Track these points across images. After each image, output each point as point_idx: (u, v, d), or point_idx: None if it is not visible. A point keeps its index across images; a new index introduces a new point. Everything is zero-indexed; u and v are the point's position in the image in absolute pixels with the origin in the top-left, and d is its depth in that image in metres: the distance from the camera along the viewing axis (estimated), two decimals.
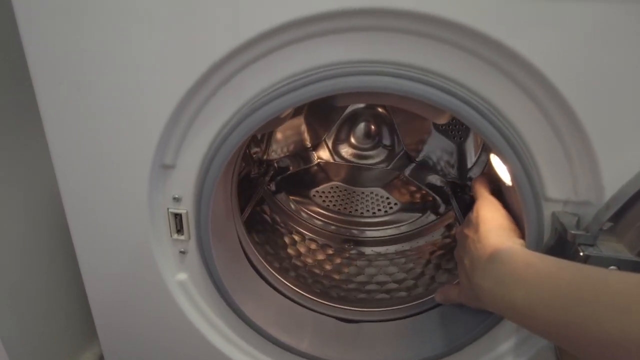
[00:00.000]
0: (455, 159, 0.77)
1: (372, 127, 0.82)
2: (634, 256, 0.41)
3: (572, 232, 0.42)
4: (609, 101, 0.39)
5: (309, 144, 0.82)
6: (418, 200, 0.81)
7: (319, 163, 0.83)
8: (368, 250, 0.79)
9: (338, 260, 0.74)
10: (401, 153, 0.81)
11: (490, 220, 0.47)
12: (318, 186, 0.83)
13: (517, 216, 0.48)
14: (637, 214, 0.41)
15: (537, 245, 0.45)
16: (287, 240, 0.76)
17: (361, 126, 0.82)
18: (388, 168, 0.81)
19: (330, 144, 0.83)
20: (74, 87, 0.44)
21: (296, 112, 0.80)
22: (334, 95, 0.43)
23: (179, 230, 0.52)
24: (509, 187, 0.48)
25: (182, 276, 0.55)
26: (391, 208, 0.82)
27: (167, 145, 0.46)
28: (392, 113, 0.78)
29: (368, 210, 0.82)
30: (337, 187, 0.84)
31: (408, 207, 0.81)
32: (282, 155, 0.81)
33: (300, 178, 0.83)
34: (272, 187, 0.80)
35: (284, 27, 0.39)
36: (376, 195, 0.84)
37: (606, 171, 0.41)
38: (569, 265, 0.37)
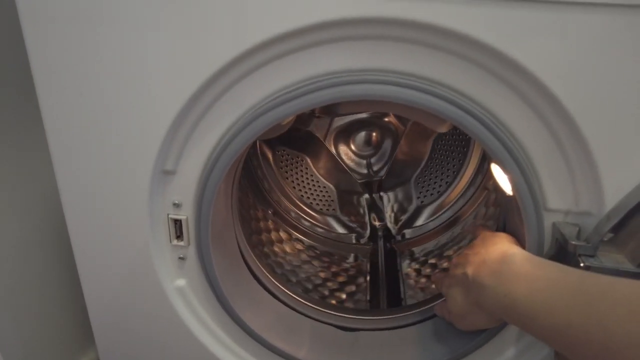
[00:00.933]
0: (408, 214, 0.82)
1: (375, 139, 0.82)
2: (634, 267, 0.41)
3: (573, 242, 0.42)
4: (610, 112, 0.39)
5: (316, 110, 0.81)
6: (352, 219, 0.83)
7: (309, 132, 0.82)
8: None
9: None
10: (378, 179, 0.82)
11: (498, 240, 0.48)
12: (291, 148, 0.83)
13: (517, 233, 0.48)
14: (638, 225, 0.41)
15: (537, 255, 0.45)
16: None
17: (364, 134, 0.82)
18: (358, 181, 0.82)
19: (332, 127, 0.82)
20: (76, 92, 0.44)
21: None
22: (337, 103, 0.43)
23: (179, 236, 0.52)
24: (509, 197, 0.48)
25: (181, 282, 0.54)
26: (327, 210, 0.84)
27: (169, 151, 0.46)
28: (403, 124, 0.78)
29: (426, 196, 0.83)
30: (302, 160, 0.84)
31: (340, 219, 0.84)
32: (368, 216, 0.83)
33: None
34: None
35: (286, 35, 0.39)
36: (326, 192, 0.85)
37: (607, 182, 0.41)
38: (576, 270, 0.37)
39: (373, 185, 0.83)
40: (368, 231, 0.83)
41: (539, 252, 0.45)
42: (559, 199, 0.44)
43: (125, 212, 0.50)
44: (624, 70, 0.38)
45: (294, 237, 0.79)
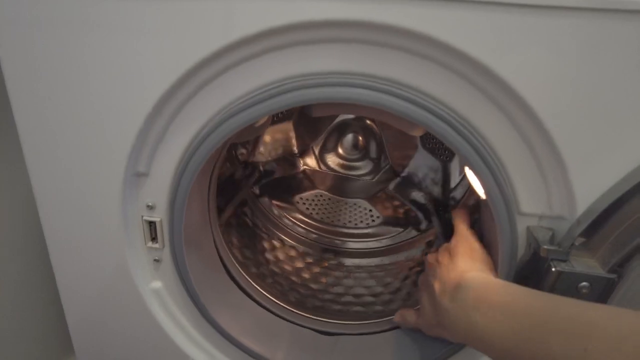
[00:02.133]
0: (440, 177, 0.78)
1: (360, 138, 0.82)
2: (604, 272, 0.40)
3: (545, 247, 0.42)
4: (581, 117, 0.39)
5: (296, 149, 0.82)
6: (401, 215, 0.81)
7: (304, 170, 0.83)
8: (348, 261, 0.78)
9: (317, 270, 0.74)
10: (386, 167, 0.81)
11: (464, 252, 0.48)
12: (302, 193, 0.83)
13: (494, 233, 0.47)
14: (609, 230, 0.41)
15: (511, 260, 0.45)
16: (266, 245, 0.75)
17: (349, 137, 0.82)
18: (373, 180, 0.81)
19: (317, 152, 0.83)
20: (47, 95, 0.44)
21: (286, 117, 0.80)
22: (309, 105, 0.43)
23: (154, 239, 0.51)
24: (484, 201, 0.47)
25: (157, 284, 0.54)
26: (373, 221, 0.82)
27: (140, 153, 0.46)
28: (380, 126, 0.78)
29: (350, 221, 0.82)
30: (321, 195, 0.84)
31: (390, 221, 0.81)
32: (268, 158, 0.81)
33: (285, 183, 0.82)
34: (256, 190, 0.80)
35: (255, 37, 0.39)
36: (359, 206, 0.83)
37: (578, 187, 0.41)
38: (529, 293, 0.38)
39: (387, 175, 0.80)
40: (421, 214, 0.78)
41: (512, 256, 0.45)
42: (533, 203, 0.44)
43: (100, 214, 0.50)
44: (593, 76, 0.37)
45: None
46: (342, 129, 0.82)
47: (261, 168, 0.79)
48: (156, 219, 0.50)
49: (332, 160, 0.83)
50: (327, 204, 0.83)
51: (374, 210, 0.82)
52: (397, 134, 0.77)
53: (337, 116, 0.81)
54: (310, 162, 0.83)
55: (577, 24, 0.36)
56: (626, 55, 0.36)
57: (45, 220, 0.52)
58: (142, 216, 0.50)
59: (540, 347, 0.33)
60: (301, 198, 0.83)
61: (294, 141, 0.82)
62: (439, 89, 0.41)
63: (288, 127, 0.81)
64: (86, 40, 0.41)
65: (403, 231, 0.78)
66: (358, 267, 0.75)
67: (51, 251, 0.54)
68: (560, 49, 0.37)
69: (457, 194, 0.74)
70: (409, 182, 0.79)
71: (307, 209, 0.83)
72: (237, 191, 0.73)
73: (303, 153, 0.83)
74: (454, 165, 0.76)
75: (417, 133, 0.53)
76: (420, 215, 0.78)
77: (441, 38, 0.37)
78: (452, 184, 0.75)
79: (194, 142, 0.45)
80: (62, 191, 0.49)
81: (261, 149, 0.80)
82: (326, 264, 0.75)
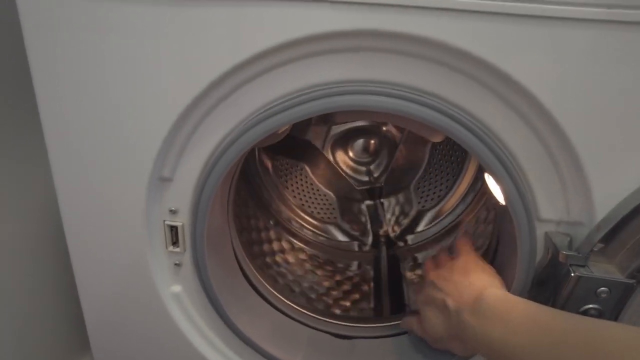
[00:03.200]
0: (409, 219, 0.82)
1: (373, 146, 0.82)
2: (623, 278, 0.41)
3: (564, 252, 0.43)
4: (600, 124, 0.40)
5: (313, 119, 0.80)
6: (353, 227, 0.84)
7: (308, 141, 0.82)
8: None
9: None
10: (377, 186, 0.82)
11: (476, 270, 0.50)
12: (291, 158, 0.83)
13: (512, 239, 0.48)
14: (627, 236, 0.42)
15: (529, 265, 0.45)
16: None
17: (362, 141, 0.83)
18: (357, 188, 0.82)
19: (330, 135, 0.82)
20: (75, 99, 0.45)
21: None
22: (332, 113, 0.44)
23: (175, 243, 0.52)
24: (503, 207, 0.48)
25: (177, 288, 0.55)
26: (329, 218, 0.83)
27: (166, 158, 0.47)
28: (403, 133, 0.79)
29: (427, 201, 0.83)
30: (302, 170, 0.84)
31: (341, 227, 0.84)
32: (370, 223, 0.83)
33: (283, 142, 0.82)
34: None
35: (282, 46, 0.40)
36: (327, 200, 0.85)
37: (597, 193, 0.42)
38: (548, 310, 0.40)
39: (374, 192, 0.83)
40: (370, 238, 0.82)
41: (530, 261, 0.45)
42: (551, 209, 0.44)
43: (123, 218, 0.51)
44: (613, 83, 0.38)
45: (296, 246, 0.79)
46: (364, 132, 0.82)
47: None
48: (178, 223, 0.50)
49: (337, 151, 0.83)
50: (306, 185, 0.84)
51: (336, 209, 0.83)
52: (406, 160, 0.78)
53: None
54: (319, 138, 0.82)
55: (598, 34, 0.37)
56: None
57: (67, 221, 0.52)
58: (164, 220, 0.51)
59: None
60: (285, 162, 0.83)
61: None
62: (461, 97, 0.41)
63: None
64: (115, 45, 0.42)
65: (347, 241, 0.82)
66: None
67: (72, 252, 0.54)
68: (581, 57, 0.38)
69: (411, 239, 0.81)
70: (381, 209, 0.83)
71: (284, 181, 0.84)
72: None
73: (317, 125, 0.81)
74: (429, 215, 0.82)
75: (437, 139, 0.53)
76: (370, 238, 0.82)
77: (464, 47, 0.38)
78: (418, 229, 0.82)
79: (218, 149, 0.45)
80: (85, 194, 0.50)
81: None
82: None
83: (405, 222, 0.82)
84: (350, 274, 0.78)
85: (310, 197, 0.85)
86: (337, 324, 0.63)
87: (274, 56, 0.41)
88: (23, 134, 0.62)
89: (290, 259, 0.76)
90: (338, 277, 0.76)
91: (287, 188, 0.84)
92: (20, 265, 0.66)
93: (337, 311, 0.68)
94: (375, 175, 0.82)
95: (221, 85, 0.42)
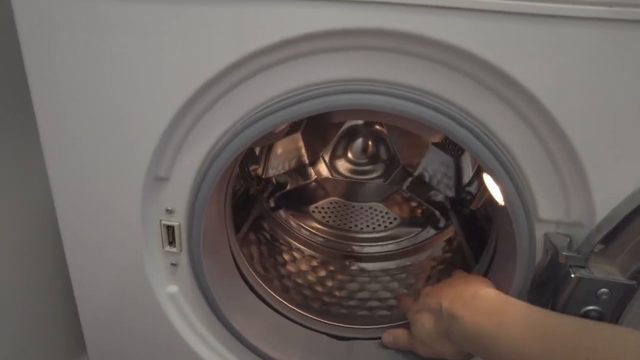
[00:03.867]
0: (452, 172, 0.78)
1: (369, 142, 0.82)
2: (624, 279, 0.41)
3: (564, 253, 0.42)
4: (601, 124, 0.39)
5: (306, 160, 0.83)
6: (418, 215, 0.81)
7: (317, 179, 0.83)
8: (370, 266, 0.79)
9: (339, 277, 0.74)
10: (399, 168, 0.81)
11: (475, 277, 0.52)
12: (317, 202, 0.83)
13: (511, 240, 0.48)
14: (628, 237, 0.41)
15: (528, 266, 0.45)
16: (286, 257, 0.75)
17: (358, 142, 0.82)
18: (385, 183, 0.82)
19: (327, 160, 0.83)
20: (70, 98, 0.45)
21: (293, 129, 0.80)
22: (329, 112, 0.43)
23: (171, 243, 0.51)
24: (502, 207, 0.48)
25: (173, 288, 0.54)
26: (391, 223, 0.82)
27: (162, 158, 0.46)
28: (388, 129, 0.78)
29: (368, 226, 0.82)
30: (336, 202, 0.84)
31: (408, 222, 0.81)
32: (280, 171, 0.81)
33: (300, 194, 0.83)
34: (271, 203, 0.80)
35: (278, 45, 0.40)
36: (375, 210, 0.84)
37: (598, 193, 0.41)
38: (541, 310, 0.41)
39: (400, 175, 0.81)
40: (438, 212, 0.79)
41: (530, 262, 0.45)
42: (550, 210, 0.44)
43: (119, 217, 0.50)
44: (614, 83, 0.38)
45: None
46: (350, 135, 0.82)
47: (274, 181, 0.79)
48: (175, 223, 0.50)
49: (343, 166, 0.84)
50: (343, 210, 0.84)
51: (390, 212, 0.83)
52: (405, 134, 0.77)
53: (344, 123, 0.82)
54: (322, 170, 0.84)
55: (598, 33, 0.36)
56: None
57: (63, 221, 0.52)
58: (161, 220, 0.50)
59: (546, 358, 0.35)
60: (316, 207, 0.83)
61: (303, 151, 0.83)
62: (461, 96, 0.41)
63: (297, 137, 0.82)
64: (111, 44, 0.42)
65: (422, 231, 0.79)
66: (382, 270, 0.76)
67: (67, 251, 0.54)
68: (581, 57, 0.37)
69: (472, 188, 0.75)
70: (422, 181, 0.80)
71: (324, 217, 0.83)
72: (253, 206, 0.73)
73: (314, 162, 0.83)
74: (465, 159, 0.77)
75: (436, 139, 0.53)
76: (437, 213, 0.78)
77: (464, 46, 0.38)
78: (466, 179, 0.76)
79: (215, 148, 0.45)
80: (81, 193, 0.50)
81: (273, 162, 0.81)
82: (347, 271, 0.76)
83: (453, 177, 0.78)
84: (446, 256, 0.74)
85: (365, 217, 0.84)
86: (334, 325, 0.62)
87: (271, 55, 0.40)
88: (18, 134, 0.62)
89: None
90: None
91: (330, 219, 0.83)
92: (16, 266, 0.66)
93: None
94: (388, 162, 0.80)
95: (217, 84, 0.42)
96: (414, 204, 0.82)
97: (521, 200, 0.42)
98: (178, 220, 0.50)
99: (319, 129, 0.81)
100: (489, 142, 0.41)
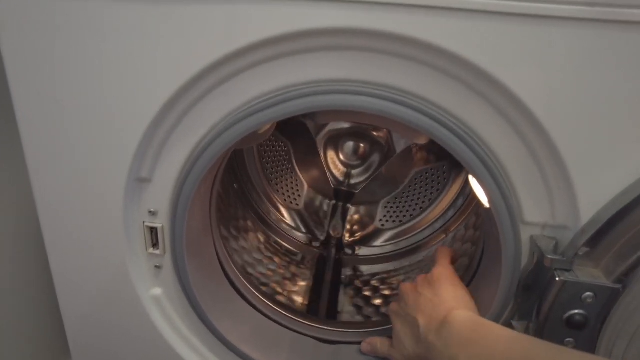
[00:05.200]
0: (366, 233, 0.82)
1: (362, 150, 0.81)
2: (609, 282, 0.40)
3: (549, 256, 0.42)
4: (585, 127, 0.39)
5: (334, 201, 0.83)
6: (312, 220, 0.83)
7: (304, 124, 0.78)
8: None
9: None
10: (351, 191, 0.81)
11: (448, 287, 0.49)
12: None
13: (497, 242, 0.47)
14: (612, 240, 0.41)
15: (514, 269, 0.45)
16: (252, 238, 0.75)
17: (352, 144, 0.81)
18: (332, 186, 0.82)
19: (336, 183, 0.83)
20: (50, 99, 0.44)
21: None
22: (313, 113, 0.43)
23: (155, 245, 0.51)
24: (488, 209, 0.47)
25: (157, 291, 0.54)
26: (291, 203, 0.83)
27: (144, 159, 0.46)
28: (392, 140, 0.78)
29: (388, 221, 0.83)
30: (286, 147, 0.83)
31: (302, 215, 0.83)
32: (329, 222, 0.82)
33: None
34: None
35: (262, 43, 0.39)
36: (297, 183, 0.84)
37: (582, 196, 0.41)
38: (511, 336, 0.40)
39: (343, 195, 0.82)
40: (324, 236, 0.82)
41: (516, 265, 0.44)
42: (536, 212, 0.44)
43: (101, 219, 0.50)
44: (598, 84, 0.37)
45: (258, 228, 0.79)
46: (363, 136, 0.81)
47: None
48: (158, 225, 0.49)
49: (328, 147, 0.82)
50: (287, 168, 0.83)
51: (302, 197, 0.83)
52: (389, 177, 0.78)
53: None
54: (314, 126, 0.80)
55: (582, 33, 0.36)
56: (630, 64, 0.36)
57: (45, 224, 0.51)
58: (144, 222, 0.50)
59: None
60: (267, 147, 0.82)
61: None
62: (444, 98, 0.41)
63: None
64: (91, 44, 0.41)
65: (301, 232, 0.81)
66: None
67: (50, 254, 0.53)
68: (566, 60, 0.37)
69: (361, 252, 0.81)
70: (344, 213, 0.82)
71: (290, 201, 0.83)
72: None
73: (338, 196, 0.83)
74: (385, 234, 0.82)
75: (422, 141, 0.53)
76: (322, 237, 0.81)
77: (447, 47, 0.38)
78: (373, 244, 0.81)
79: (197, 149, 0.44)
80: (63, 195, 0.49)
81: None
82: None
83: (360, 234, 0.83)
84: (292, 263, 0.77)
85: (284, 179, 0.84)
86: (321, 328, 0.62)
87: (252, 54, 0.40)
88: (1, 135, 0.61)
89: (252, 240, 0.75)
90: (293, 269, 0.75)
91: (267, 164, 0.82)
92: None
93: (281, 300, 0.67)
94: (353, 181, 0.81)
95: (198, 84, 0.41)
96: (316, 214, 0.84)
97: (505, 202, 0.42)
98: (161, 222, 0.49)
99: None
100: (472, 144, 0.40)
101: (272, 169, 0.83)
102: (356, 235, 0.83)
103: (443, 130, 0.39)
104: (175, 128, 0.44)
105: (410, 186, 0.81)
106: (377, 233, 0.82)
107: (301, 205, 0.83)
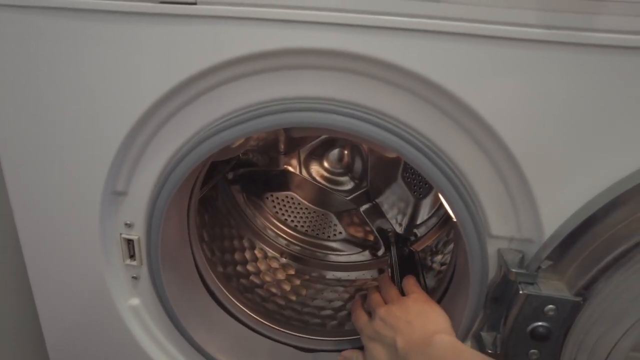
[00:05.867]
0: (409, 211, 0.80)
1: (346, 154, 0.82)
2: (570, 295, 0.41)
3: (514, 270, 0.43)
4: (546, 145, 0.40)
5: (282, 147, 0.80)
6: (361, 237, 0.84)
7: (284, 170, 0.82)
8: (329, 274, 0.80)
9: (297, 282, 0.74)
10: (364, 189, 0.82)
11: (429, 309, 0.50)
12: (275, 191, 0.83)
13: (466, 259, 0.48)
14: (575, 253, 0.42)
15: (481, 282, 0.45)
16: (247, 255, 0.76)
17: (336, 151, 0.83)
18: (347, 198, 0.82)
19: (302, 157, 0.82)
20: (24, 113, 0.45)
21: None
22: (289, 128, 0.44)
23: (132, 256, 0.52)
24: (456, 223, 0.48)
25: (135, 301, 0.54)
26: (335, 235, 0.84)
27: (119, 172, 0.47)
28: (368, 149, 0.79)
29: (324, 233, 0.84)
30: (292, 198, 0.84)
31: (351, 240, 0.83)
32: (252, 145, 0.79)
33: (262, 178, 0.82)
34: (230, 176, 0.79)
35: (235, 61, 0.40)
36: (327, 218, 0.85)
37: (545, 210, 0.42)
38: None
39: (362, 197, 0.82)
40: (381, 242, 0.80)
41: (483, 278, 0.45)
42: (502, 226, 0.45)
43: (78, 232, 0.50)
44: (558, 102, 0.39)
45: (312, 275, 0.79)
46: (333, 142, 0.82)
47: (240, 155, 0.77)
48: (134, 236, 0.50)
49: (315, 169, 0.83)
50: (297, 209, 0.84)
51: (338, 225, 0.84)
52: (382, 159, 0.78)
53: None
54: (293, 164, 0.82)
55: (543, 55, 0.37)
56: (588, 82, 0.37)
57: (24, 235, 0.52)
58: (121, 234, 0.51)
59: None
60: (272, 195, 0.83)
61: (282, 138, 0.80)
62: (412, 116, 0.42)
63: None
64: (65, 55, 0.42)
65: (360, 252, 0.81)
66: (338, 280, 0.77)
67: (28, 266, 0.54)
68: (526, 78, 0.38)
69: (420, 231, 0.78)
70: (379, 210, 0.81)
71: (277, 212, 0.83)
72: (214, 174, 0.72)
73: (288, 153, 0.81)
74: (426, 203, 0.79)
75: (392, 155, 0.53)
76: (380, 242, 0.80)
77: (410, 67, 0.39)
78: (418, 221, 0.79)
79: (171, 162, 0.45)
80: (40, 208, 0.50)
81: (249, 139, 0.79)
82: (307, 277, 0.76)
83: (408, 215, 0.80)
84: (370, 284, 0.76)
85: (311, 222, 0.85)
86: (299, 336, 0.62)
87: (224, 71, 0.41)
88: None
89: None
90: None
91: (286, 220, 0.84)
92: None
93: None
94: (358, 180, 0.81)
95: (172, 99, 0.42)
96: (361, 227, 0.84)
97: (471, 217, 0.43)
98: (137, 234, 0.50)
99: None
100: (437, 161, 0.41)
101: (294, 220, 0.84)
102: (406, 216, 0.81)
103: (409, 148, 0.40)
104: (150, 142, 0.45)
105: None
106: (418, 206, 0.79)
107: (344, 232, 0.84)
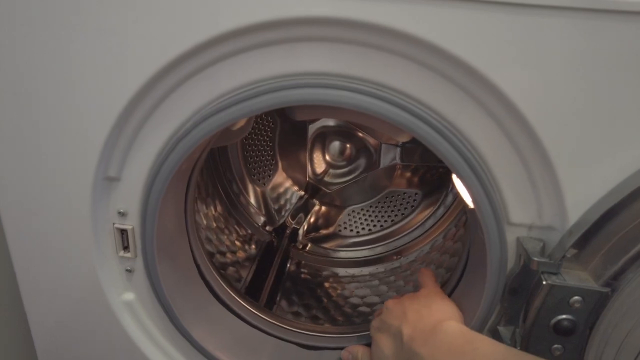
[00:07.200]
0: (320, 231, 0.83)
1: (347, 145, 0.80)
2: (598, 286, 0.39)
3: (535, 259, 0.40)
4: (572, 126, 0.37)
5: (302, 192, 0.82)
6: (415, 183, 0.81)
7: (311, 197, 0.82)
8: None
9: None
10: (380, 147, 0.79)
11: (440, 301, 0.49)
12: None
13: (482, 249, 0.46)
14: (601, 241, 0.39)
15: (500, 272, 0.43)
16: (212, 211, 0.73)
17: (335, 145, 0.80)
18: (379, 168, 0.79)
19: (312, 177, 0.82)
20: (11, 93, 0.42)
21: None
22: (292, 109, 0.41)
23: (126, 248, 0.49)
24: (472, 210, 0.45)
25: (129, 296, 0.51)
26: (375, 226, 0.82)
27: (111, 156, 0.44)
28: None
29: (346, 228, 0.82)
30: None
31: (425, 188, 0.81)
32: (287, 214, 0.82)
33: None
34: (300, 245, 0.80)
35: (233, 33, 0.37)
36: (357, 213, 0.84)
37: (569, 196, 0.39)
38: (499, 349, 0.39)
39: (315, 190, 0.82)
40: (279, 223, 0.81)
41: (502, 268, 0.43)
42: (522, 213, 0.42)
43: (68, 221, 0.47)
44: (586, 83, 0.36)
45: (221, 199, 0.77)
46: (322, 140, 0.80)
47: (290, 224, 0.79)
48: (128, 226, 0.47)
49: (324, 172, 0.81)
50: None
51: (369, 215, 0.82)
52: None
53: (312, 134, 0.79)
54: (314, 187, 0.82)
55: (571, 27, 0.34)
56: (621, 61, 0.35)
57: (9, 226, 0.49)
58: (114, 223, 0.47)
59: None
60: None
61: (294, 184, 0.82)
62: (428, 94, 0.39)
63: (282, 178, 0.82)
64: (53, 37, 0.39)
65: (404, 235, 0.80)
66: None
67: (15, 259, 0.51)
68: (555, 61, 0.35)
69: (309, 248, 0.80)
70: (412, 147, 0.78)
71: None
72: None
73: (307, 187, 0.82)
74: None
75: (404, 139, 0.51)
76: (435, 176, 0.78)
77: (432, 40, 0.36)
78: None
79: (167, 146, 0.42)
80: (27, 196, 0.47)
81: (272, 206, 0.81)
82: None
83: (315, 234, 0.83)
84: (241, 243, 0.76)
85: (259, 154, 0.81)
86: (304, 333, 0.60)
87: (223, 45, 0.38)
88: None
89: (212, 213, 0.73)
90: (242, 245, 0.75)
91: (248, 137, 0.80)
92: None
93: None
94: (329, 180, 0.80)
95: (165, 78, 0.39)
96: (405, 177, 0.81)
97: (490, 202, 0.40)
98: (131, 224, 0.47)
99: (292, 145, 0.79)
100: (456, 142, 0.38)
101: (252, 141, 0.80)
102: (311, 234, 0.82)
103: (426, 128, 0.37)
104: (144, 124, 0.42)
105: (379, 202, 0.82)
106: (332, 237, 0.82)
107: (268, 186, 0.82)
